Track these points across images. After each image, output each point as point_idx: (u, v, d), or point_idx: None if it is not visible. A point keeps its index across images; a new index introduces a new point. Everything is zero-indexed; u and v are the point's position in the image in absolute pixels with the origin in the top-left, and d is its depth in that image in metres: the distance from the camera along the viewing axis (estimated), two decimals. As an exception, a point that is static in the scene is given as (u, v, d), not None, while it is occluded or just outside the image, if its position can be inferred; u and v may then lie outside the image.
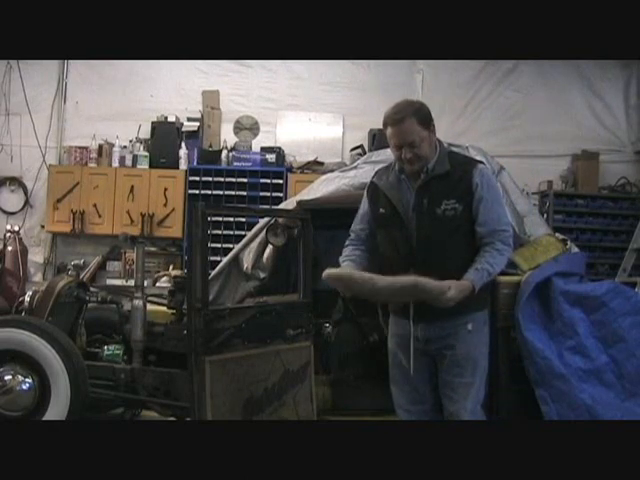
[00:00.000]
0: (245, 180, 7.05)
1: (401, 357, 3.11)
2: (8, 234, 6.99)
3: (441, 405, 3.09)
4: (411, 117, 2.92)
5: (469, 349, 3.00)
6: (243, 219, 6.73)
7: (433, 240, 2.95)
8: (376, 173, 3.24)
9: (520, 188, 4.72)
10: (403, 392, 3.14)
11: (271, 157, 7.17)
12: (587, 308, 3.66)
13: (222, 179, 7.05)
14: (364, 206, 3.23)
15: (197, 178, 7.06)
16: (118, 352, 4.38)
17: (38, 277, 7.40)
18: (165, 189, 7.12)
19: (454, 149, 4.15)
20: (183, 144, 7.27)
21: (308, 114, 7.55)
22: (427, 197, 2.98)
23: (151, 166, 7.22)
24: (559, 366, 3.54)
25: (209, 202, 6.62)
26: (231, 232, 6.79)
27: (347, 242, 3.23)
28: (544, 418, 3.52)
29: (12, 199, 7.52)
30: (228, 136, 7.50)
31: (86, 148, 7.33)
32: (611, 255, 7.16)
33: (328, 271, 2.95)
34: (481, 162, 3.22)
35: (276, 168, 7.13)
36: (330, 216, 4.14)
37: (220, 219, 6.75)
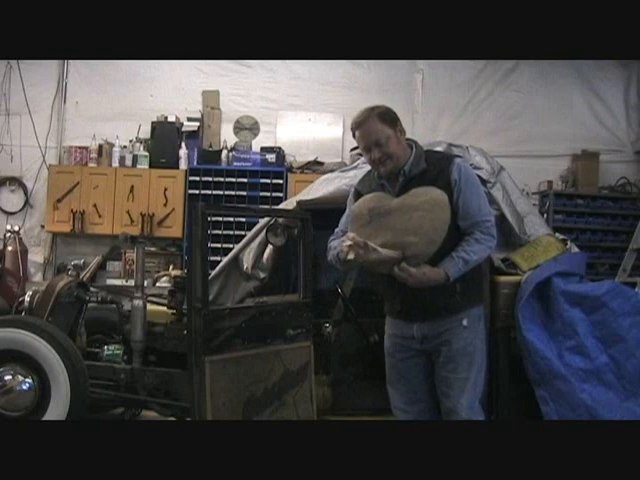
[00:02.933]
0: (245, 180, 7.06)
1: (397, 358, 3.13)
2: (8, 234, 6.99)
3: (438, 405, 3.10)
4: (373, 117, 2.97)
5: (465, 344, 3.01)
6: (243, 219, 6.73)
7: None
8: (359, 181, 3.28)
9: (520, 188, 4.72)
10: (399, 392, 3.16)
11: (271, 157, 7.18)
12: (587, 308, 3.66)
13: (222, 179, 7.05)
14: (348, 211, 3.25)
15: (197, 178, 7.07)
16: (118, 352, 4.38)
17: (38, 277, 7.40)
18: (165, 189, 7.12)
19: (454, 149, 4.18)
20: (183, 144, 7.27)
21: (308, 114, 7.55)
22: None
23: (151, 166, 7.22)
24: (559, 366, 3.54)
25: (209, 202, 6.63)
26: (231, 232, 6.80)
27: (334, 237, 3.24)
28: (544, 418, 3.52)
29: (12, 199, 7.53)
30: (228, 136, 7.50)
31: (86, 148, 7.33)
32: (611, 255, 7.16)
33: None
34: (458, 156, 3.21)
35: (276, 168, 7.13)
36: (330, 216, 4.14)
37: (220, 219, 6.76)
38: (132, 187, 7.13)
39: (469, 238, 2.95)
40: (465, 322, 3.01)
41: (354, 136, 3.06)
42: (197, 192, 7.01)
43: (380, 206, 2.97)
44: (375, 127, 2.96)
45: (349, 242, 2.86)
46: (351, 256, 2.84)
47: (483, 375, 3.10)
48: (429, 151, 3.20)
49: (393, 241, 2.88)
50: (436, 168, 3.01)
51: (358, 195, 3.19)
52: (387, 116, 3.00)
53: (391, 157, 2.98)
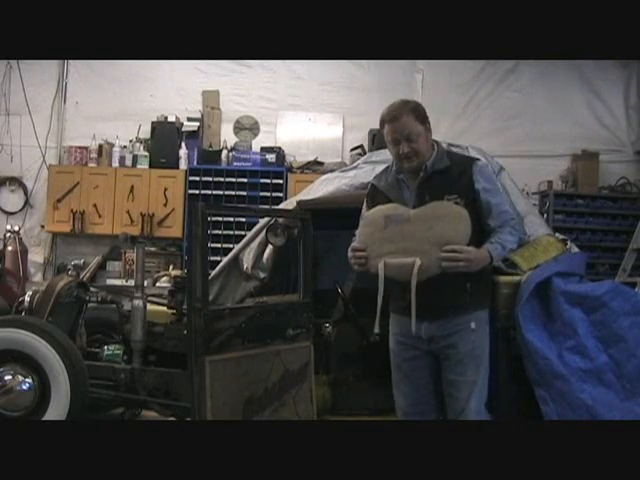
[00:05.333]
0: (245, 180, 7.07)
1: (402, 357, 3.12)
2: (8, 234, 7.00)
3: (442, 405, 3.09)
4: (407, 113, 2.99)
5: (473, 348, 3.01)
6: (243, 219, 6.74)
7: None
8: (375, 176, 3.29)
9: (520, 188, 4.72)
10: (403, 393, 3.14)
11: (271, 157, 7.18)
12: (587, 308, 3.65)
13: (222, 179, 7.06)
14: (364, 208, 3.26)
15: (197, 178, 7.07)
16: (118, 352, 4.38)
17: (38, 277, 7.41)
18: (165, 189, 7.13)
19: (454, 149, 4.18)
20: (183, 144, 7.28)
21: (308, 114, 7.55)
22: (429, 193, 2.99)
23: (151, 166, 7.23)
24: (559, 366, 3.53)
25: (209, 202, 6.63)
26: (231, 232, 6.80)
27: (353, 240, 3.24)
28: (544, 418, 3.52)
29: (12, 199, 7.53)
30: (228, 136, 7.51)
31: (86, 148, 7.34)
32: (611, 255, 7.16)
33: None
34: (479, 159, 3.25)
35: (276, 168, 7.13)
36: (330, 216, 4.14)
37: (220, 219, 6.76)
38: (132, 187, 7.14)
39: (502, 230, 2.99)
40: (473, 325, 3.01)
41: (382, 127, 3.06)
42: (197, 192, 7.01)
43: (397, 214, 2.97)
44: (409, 122, 2.98)
45: (351, 254, 3.00)
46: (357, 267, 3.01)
47: (487, 379, 3.10)
48: (451, 152, 3.25)
49: (413, 248, 2.88)
50: (459, 167, 3.04)
51: (375, 190, 3.20)
52: (420, 113, 3.03)
53: (417, 154, 3.00)
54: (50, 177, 7.28)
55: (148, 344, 4.31)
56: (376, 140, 6.79)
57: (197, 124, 7.39)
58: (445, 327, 3.00)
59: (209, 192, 7.01)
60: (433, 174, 3.02)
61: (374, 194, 3.19)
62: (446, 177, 3.01)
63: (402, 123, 2.97)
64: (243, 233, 5.77)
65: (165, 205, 7.13)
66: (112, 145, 7.31)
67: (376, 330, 3.05)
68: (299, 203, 4.31)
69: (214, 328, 3.43)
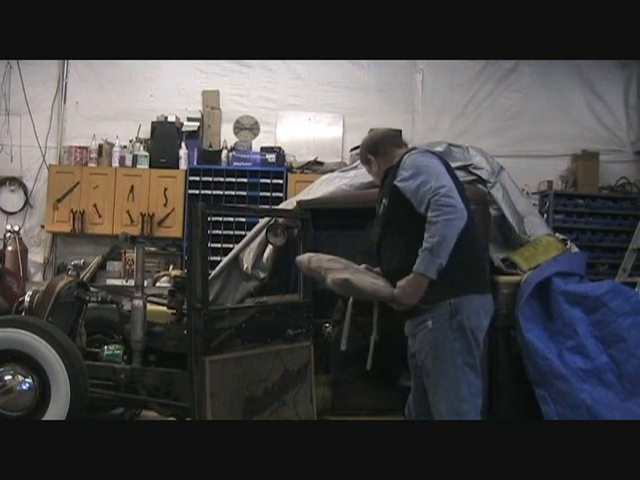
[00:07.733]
0: (245, 180, 7.06)
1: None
2: (8, 234, 6.99)
3: None
4: (360, 156, 3.36)
5: (430, 348, 2.88)
6: (243, 219, 6.73)
7: (378, 239, 3.10)
8: None
9: (520, 188, 4.72)
10: (411, 391, 3.16)
11: (271, 157, 7.18)
12: (587, 308, 3.66)
13: (222, 179, 7.06)
14: None
15: (197, 178, 7.07)
16: (118, 352, 4.38)
17: (38, 277, 7.40)
18: (165, 189, 7.13)
19: (454, 149, 4.19)
20: (183, 144, 7.27)
21: (308, 114, 7.55)
22: (379, 202, 3.16)
23: (151, 166, 7.22)
24: (559, 366, 3.54)
25: (209, 202, 6.62)
26: (231, 232, 6.80)
27: None
28: (544, 418, 3.52)
29: (12, 199, 7.52)
30: (228, 136, 7.50)
31: (86, 148, 7.33)
32: (611, 255, 7.15)
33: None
34: (414, 148, 3.17)
35: (276, 168, 7.13)
36: (330, 216, 4.14)
37: (220, 219, 6.76)
38: (132, 187, 7.13)
39: (426, 226, 2.80)
40: (430, 324, 2.87)
41: None
42: (197, 192, 7.00)
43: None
44: (360, 160, 3.41)
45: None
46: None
47: (467, 375, 2.87)
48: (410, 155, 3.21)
49: None
50: (394, 168, 3.04)
51: None
52: (362, 152, 3.28)
53: (374, 177, 3.29)
54: (50, 177, 7.28)
55: (148, 344, 4.31)
56: (376, 140, 6.77)
57: (197, 124, 7.39)
58: (409, 326, 3.01)
59: (209, 192, 7.00)
60: (384, 179, 3.14)
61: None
62: (386, 178, 3.11)
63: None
64: (243, 233, 5.77)
65: (165, 205, 7.13)
66: (112, 145, 7.30)
67: (342, 347, 3.28)
68: (299, 203, 4.31)
69: (214, 328, 3.44)
